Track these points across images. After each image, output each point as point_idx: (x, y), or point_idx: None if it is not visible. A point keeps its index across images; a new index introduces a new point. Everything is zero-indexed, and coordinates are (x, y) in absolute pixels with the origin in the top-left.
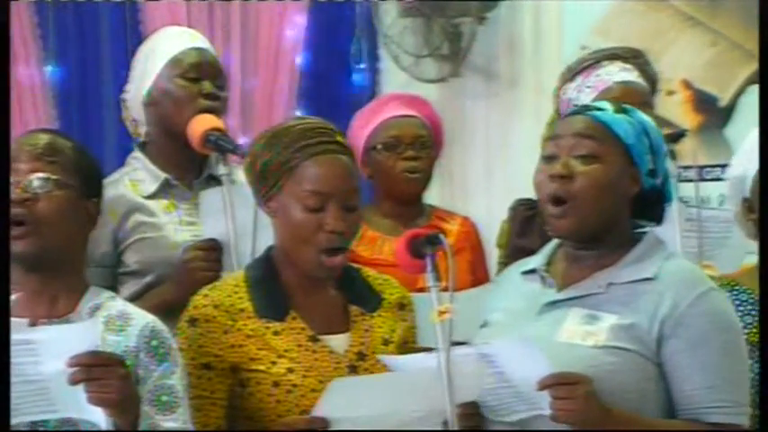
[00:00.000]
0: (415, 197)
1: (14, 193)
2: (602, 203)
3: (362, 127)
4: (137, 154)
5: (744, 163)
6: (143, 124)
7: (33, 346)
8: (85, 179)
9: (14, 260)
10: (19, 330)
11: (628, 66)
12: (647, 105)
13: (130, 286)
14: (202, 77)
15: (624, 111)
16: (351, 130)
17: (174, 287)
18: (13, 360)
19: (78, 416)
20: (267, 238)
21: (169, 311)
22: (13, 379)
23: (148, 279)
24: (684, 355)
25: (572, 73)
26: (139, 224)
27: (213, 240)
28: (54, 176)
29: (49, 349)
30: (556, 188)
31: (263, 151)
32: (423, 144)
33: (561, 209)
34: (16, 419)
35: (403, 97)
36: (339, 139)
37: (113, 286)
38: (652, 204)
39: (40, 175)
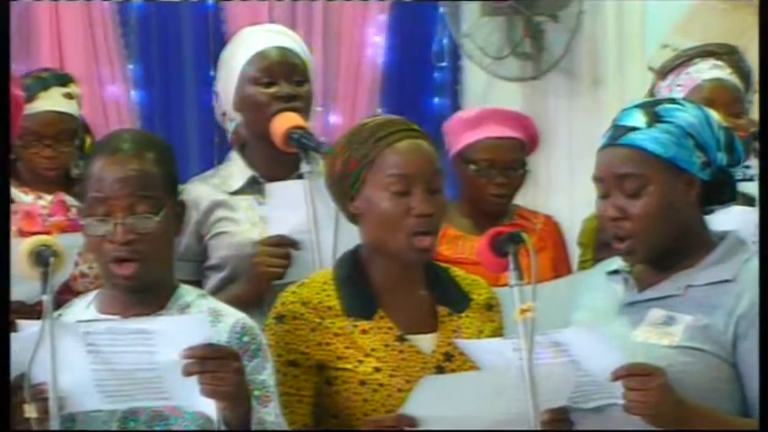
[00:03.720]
0: (499, 211)
1: (116, 235)
2: (663, 227)
3: (459, 134)
4: (232, 152)
5: None
6: (237, 122)
7: (149, 336)
8: (173, 185)
9: (119, 288)
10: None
11: (720, 62)
12: (738, 102)
13: (212, 281)
14: (276, 79)
15: (658, 118)
16: (447, 129)
17: (245, 283)
18: (126, 348)
19: (190, 406)
20: (347, 234)
21: (243, 307)
22: (124, 366)
23: (223, 274)
24: (757, 355)
25: (665, 71)
26: (220, 219)
27: (281, 237)
28: (152, 211)
29: (164, 340)
30: (614, 230)
31: (341, 152)
32: (515, 167)
33: (625, 246)
34: (127, 404)
35: (507, 116)
36: (415, 127)
37: (199, 280)
38: (719, 189)
39: (141, 217)
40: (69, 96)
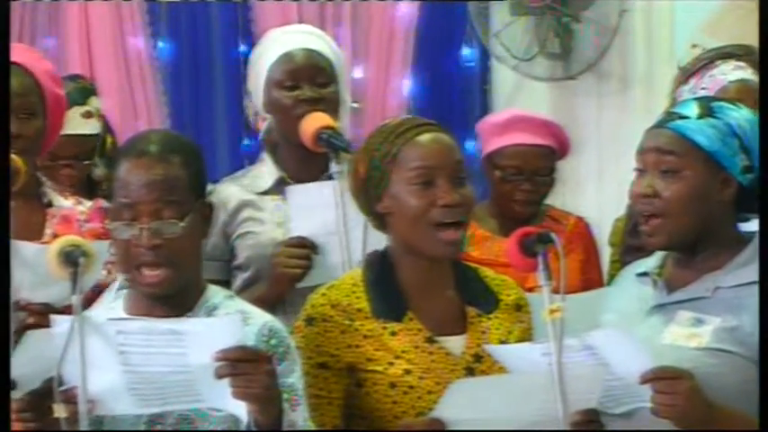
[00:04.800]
0: (527, 214)
1: (142, 240)
2: (690, 216)
3: (488, 138)
4: (264, 152)
5: None
6: (268, 123)
7: (181, 337)
8: (200, 186)
9: (146, 294)
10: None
11: (741, 63)
12: None
13: (239, 280)
14: (299, 82)
15: (710, 112)
16: (479, 129)
17: (266, 284)
18: (158, 350)
19: (222, 408)
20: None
21: (265, 308)
22: (156, 368)
23: (247, 274)
24: None
25: (686, 75)
26: (247, 219)
27: (301, 238)
28: (177, 219)
29: (196, 341)
30: (643, 206)
31: (363, 155)
32: (543, 173)
33: (650, 226)
34: (159, 408)
35: (534, 123)
36: (434, 122)
37: (227, 280)
38: (758, 197)
39: (167, 222)
40: (89, 115)
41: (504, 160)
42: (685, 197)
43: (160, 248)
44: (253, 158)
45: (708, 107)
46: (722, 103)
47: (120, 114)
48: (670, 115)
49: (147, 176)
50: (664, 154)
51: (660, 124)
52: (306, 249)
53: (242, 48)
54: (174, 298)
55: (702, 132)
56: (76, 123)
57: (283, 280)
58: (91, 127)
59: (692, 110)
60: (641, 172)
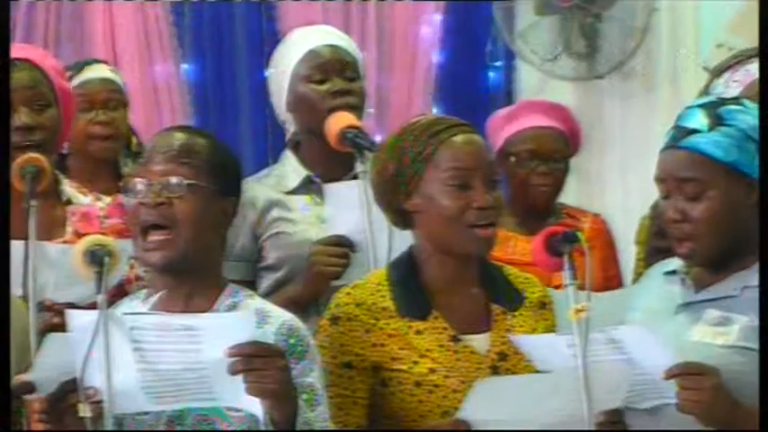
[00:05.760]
0: (543, 206)
1: (148, 197)
2: (722, 232)
3: (499, 129)
4: (287, 152)
5: None
6: (290, 123)
7: (195, 333)
8: (222, 178)
9: (150, 264)
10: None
11: None
12: None
13: (267, 281)
14: (329, 76)
15: (720, 120)
16: (488, 129)
17: (302, 284)
18: (172, 346)
19: (236, 405)
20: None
21: (299, 308)
22: (170, 366)
23: (279, 275)
24: None
25: (721, 69)
26: (276, 219)
27: (339, 237)
28: (188, 180)
29: (210, 337)
30: (674, 231)
31: (392, 152)
32: (558, 158)
33: (685, 248)
34: (173, 405)
35: (543, 106)
36: (466, 122)
37: (253, 281)
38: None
39: (174, 179)
40: (114, 72)
41: (517, 146)
42: (715, 215)
43: (163, 207)
44: (275, 132)
45: (716, 115)
46: (729, 107)
47: (145, 116)
48: (680, 131)
49: (168, 142)
50: (685, 181)
51: (673, 143)
52: (344, 248)
53: (265, 21)
54: (188, 287)
55: (718, 145)
56: (104, 72)
57: (321, 279)
58: (118, 79)
59: (701, 121)
60: (665, 198)
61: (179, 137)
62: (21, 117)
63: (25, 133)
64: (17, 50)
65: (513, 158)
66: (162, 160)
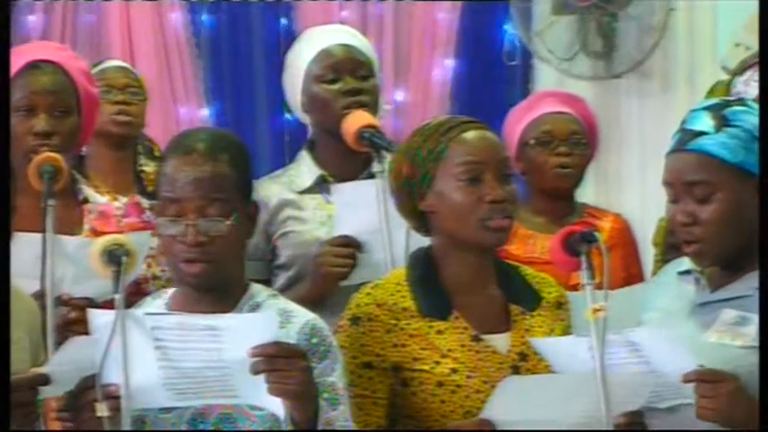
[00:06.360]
0: (565, 193)
1: (187, 237)
2: (732, 233)
3: (517, 122)
4: (302, 151)
5: None
6: (307, 122)
7: (217, 333)
8: (247, 185)
9: (186, 285)
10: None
11: None
12: None
13: (280, 279)
14: (341, 75)
15: (726, 122)
16: (506, 126)
17: (310, 283)
18: (195, 345)
19: (258, 403)
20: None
21: (307, 308)
22: (192, 363)
23: (290, 273)
24: None
25: (743, 67)
26: (288, 218)
27: (346, 237)
28: (223, 212)
29: (232, 337)
30: (684, 235)
31: (407, 153)
32: (576, 141)
33: (694, 250)
34: (194, 402)
35: (558, 94)
36: (478, 120)
37: (268, 279)
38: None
39: (211, 219)
40: (132, 68)
41: (535, 130)
42: (725, 217)
43: (204, 246)
44: (293, 133)
45: (722, 117)
46: (734, 108)
47: (162, 113)
48: (686, 134)
49: (193, 173)
50: (693, 184)
51: (680, 146)
52: (351, 248)
53: (282, 21)
54: (216, 294)
55: (725, 146)
56: (122, 63)
57: (328, 279)
58: (134, 70)
59: (707, 123)
60: (673, 202)
61: (205, 167)
62: (40, 122)
63: (43, 138)
64: (45, 50)
65: (532, 141)
66: (193, 195)
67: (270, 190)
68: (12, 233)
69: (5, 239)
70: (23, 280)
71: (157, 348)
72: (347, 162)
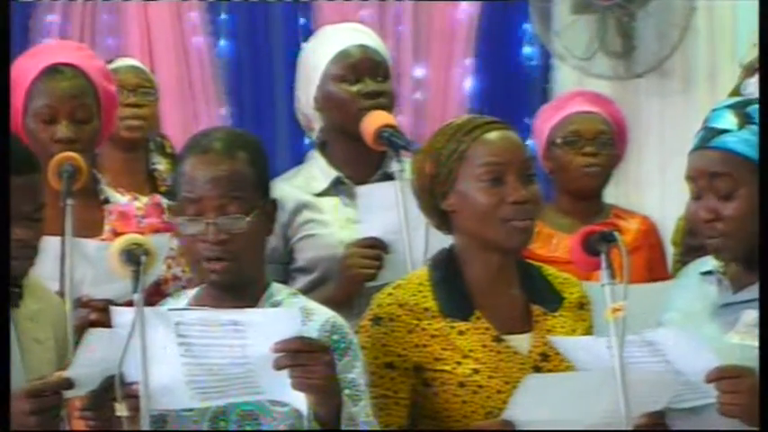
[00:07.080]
0: (591, 192)
1: (208, 235)
2: (755, 228)
3: (545, 121)
4: (314, 152)
5: None
6: (316, 121)
7: (240, 328)
8: (265, 183)
9: (209, 283)
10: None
11: None
12: None
13: (299, 282)
14: (360, 76)
15: (749, 119)
16: (535, 125)
17: (335, 286)
18: (217, 341)
19: (281, 399)
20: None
21: (332, 310)
22: (216, 360)
23: (313, 276)
24: None
25: (754, 67)
26: (307, 221)
27: (373, 239)
28: (244, 210)
29: (255, 332)
30: (707, 230)
31: (429, 153)
32: (603, 141)
33: (716, 244)
34: (219, 401)
35: (587, 94)
36: (500, 120)
37: (285, 282)
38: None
39: (233, 217)
40: (145, 67)
41: (562, 129)
42: (747, 213)
43: (225, 243)
44: None
45: (745, 114)
46: (756, 106)
47: (181, 113)
48: (709, 131)
49: (212, 172)
50: (717, 178)
51: (703, 144)
52: (378, 249)
53: (301, 20)
54: (238, 292)
55: (747, 143)
56: (135, 62)
57: (356, 280)
58: (148, 69)
59: (731, 121)
60: (696, 198)
61: (223, 166)
62: (62, 129)
63: (65, 144)
64: (65, 52)
65: (559, 140)
66: (212, 194)
67: (285, 192)
68: (11, 233)
69: (5, 239)
70: (44, 282)
71: (181, 344)
72: (361, 163)
